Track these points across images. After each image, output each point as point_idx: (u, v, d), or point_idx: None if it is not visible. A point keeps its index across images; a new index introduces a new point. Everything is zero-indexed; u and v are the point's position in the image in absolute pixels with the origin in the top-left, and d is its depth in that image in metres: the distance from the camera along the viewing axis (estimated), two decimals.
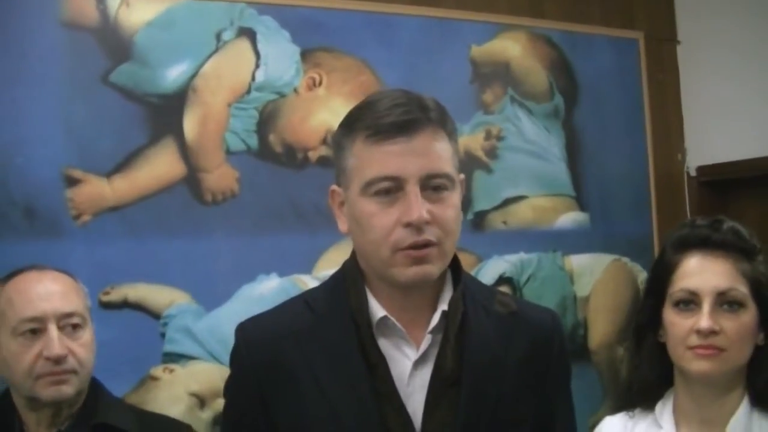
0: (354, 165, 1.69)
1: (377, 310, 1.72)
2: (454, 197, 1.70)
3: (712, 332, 1.83)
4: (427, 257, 1.65)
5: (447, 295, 1.76)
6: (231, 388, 1.83)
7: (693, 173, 4.08)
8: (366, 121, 1.68)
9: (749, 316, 1.86)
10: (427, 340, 1.71)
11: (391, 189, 1.65)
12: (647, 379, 1.99)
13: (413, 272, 1.66)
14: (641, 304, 2.06)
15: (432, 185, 1.66)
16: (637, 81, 4.02)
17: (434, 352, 1.72)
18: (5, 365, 2.13)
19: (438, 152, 1.67)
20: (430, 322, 1.72)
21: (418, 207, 1.62)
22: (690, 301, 1.88)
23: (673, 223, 3.79)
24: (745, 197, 4.00)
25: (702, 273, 1.88)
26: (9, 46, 2.75)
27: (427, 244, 1.64)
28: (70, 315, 2.15)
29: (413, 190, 1.63)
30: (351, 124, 1.71)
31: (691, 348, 1.85)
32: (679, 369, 1.92)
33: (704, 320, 1.83)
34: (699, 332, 1.84)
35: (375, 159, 1.65)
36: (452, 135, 1.73)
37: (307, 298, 1.84)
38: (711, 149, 4.02)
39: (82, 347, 2.15)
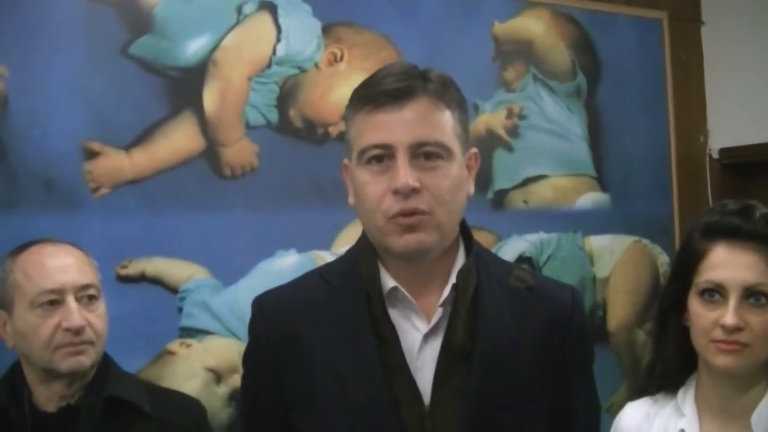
0: (353, 135, 1.71)
1: (388, 281, 1.72)
2: (451, 168, 1.68)
3: (737, 328, 1.79)
4: (417, 225, 1.65)
5: (459, 267, 1.75)
6: (247, 358, 1.86)
7: (715, 155, 4.06)
8: (363, 92, 1.70)
9: None
10: (438, 313, 1.71)
11: (382, 157, 1.66)
12: (671, 363, 1.96)
13: (405, 241, 1.66)
14: (666, 287, 2.02)
15: (423, 153, 1.65)
16: (660, 61, 4.00)
17: (445, 325, 1.71)
18: (21, 338, 2.13)
19: (432, 121, 1.66)
20: (441, 295, 1.71)
21: (404, 174, 1.62)
22: (716, 293, 1.83)
23: (695, 206, 3.82)
24: None
25: (730, 265, 1.82)
26: (28, 17, 2.73)
27: (415, 212, 1.64)
28: (87, 287, 2.16)
29: (401, 157, 1.63)
30: (353, 97, 1.73)
31: (715, 341, 1.82)
32: (702, 360, 1.90)
33: (729, 316, 1.79)
34: (723, 327, 1.79)
35: (368, 128, 1.67)
36: (456, 107, 1.71)
37: (322, 271, 1.85)
38: (734, 131, 3.99)
39: (98, 318, 2.16)
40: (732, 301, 1.80)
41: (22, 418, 2.12)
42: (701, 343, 1.86)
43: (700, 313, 1.85)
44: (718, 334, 1.81)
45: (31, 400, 2.14)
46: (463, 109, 1.74)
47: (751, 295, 1.80)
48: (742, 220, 1.85)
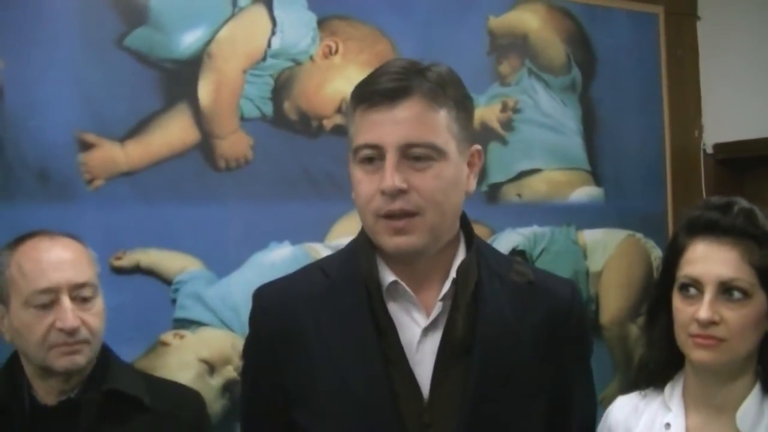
0: (352, 132, 1.73)
1: (387, 275, 1.73)
2: (443, 168, 1.68)
3: (711, 323, 1.79)
4: (406, 228, 1.66)
5: (459, 262, 1.76)
6: (248, 351, 1.89)
7: (709, 150, 4.05)
8: (361, 90, 1.71)
9: (754, 305, 1.81)
10: (437, 307, 1.72)
11: (374, 157, 1.67)
12: (660, 358, 1.96)
13: (395, 243, 1.68)
14: (655, 282, 2.03)
15: (413, 155, 1.66)
16: (656, 56, 3.99)
17: (445, 319, 1.72)
18: (17, 334, 2.10)
19: (424, 121, 1.66)
20: (441, 289, 1.72)
21: (390, 175, 1.63)
22: (693, 287, 1.84)
23: (689, 200, 3.82)
24: (762, 176, 3.97)
25: (706, 261, 1.83)
26: (24, 8, 2.73)
27: (404, 214, 1.65)
28: (82, 286, 2.11)
29: (390, 158, 1.64)
30: (353, 93, 1.74)
31: (692, 336, 1.82)
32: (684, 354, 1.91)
33: (703, 310, 1.79)
34: (698, 322, 1.80)
35: (362, 127, 1.69)
36: (453, 106, 1.71)
37: (322, 264, 1.87)
38: (728, 127, 3.99)
39: (94, 317, 2.12)
40: (707, 296, 1.81)
41: (22, 411, 2.10)
42: (681, 338, 1.87)
43: (679, 308, 1.86)
44: (695, 328, 1.82)
45: (31, 392, 2.12)
46: (463, 106, 1.74)
47: (727, 290, 1.81)
48: (721, 214, 1.85)
